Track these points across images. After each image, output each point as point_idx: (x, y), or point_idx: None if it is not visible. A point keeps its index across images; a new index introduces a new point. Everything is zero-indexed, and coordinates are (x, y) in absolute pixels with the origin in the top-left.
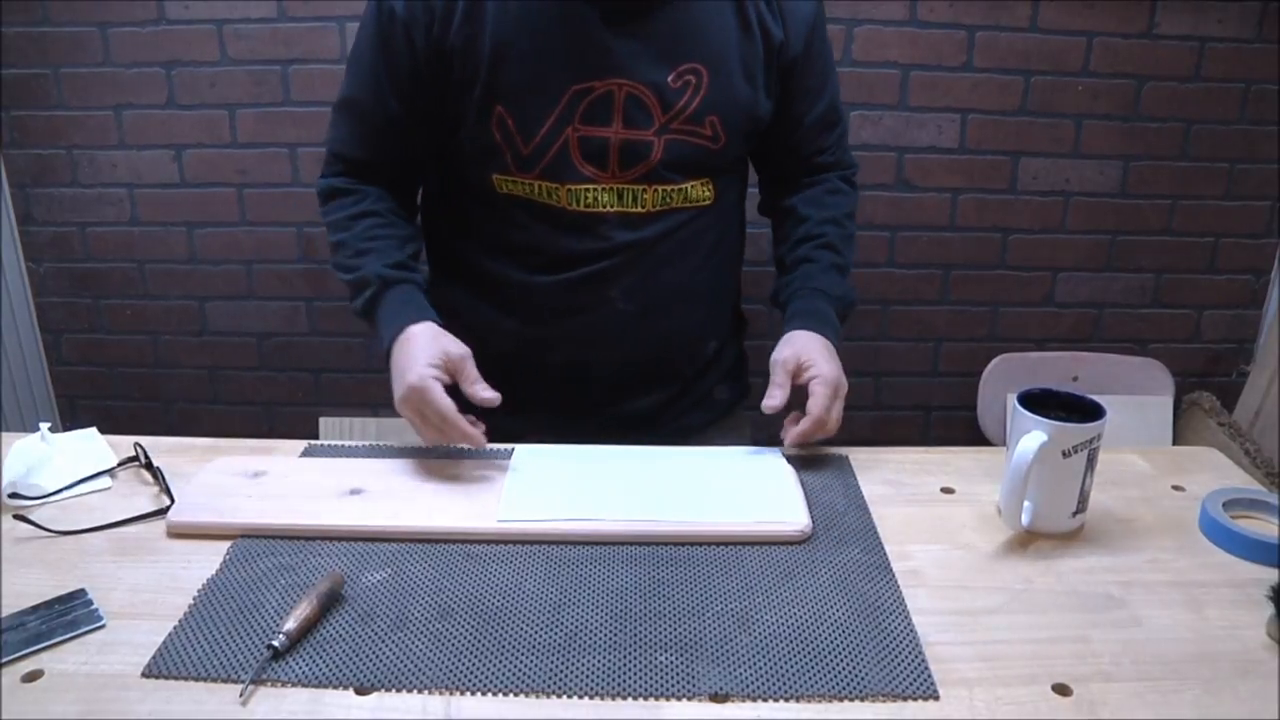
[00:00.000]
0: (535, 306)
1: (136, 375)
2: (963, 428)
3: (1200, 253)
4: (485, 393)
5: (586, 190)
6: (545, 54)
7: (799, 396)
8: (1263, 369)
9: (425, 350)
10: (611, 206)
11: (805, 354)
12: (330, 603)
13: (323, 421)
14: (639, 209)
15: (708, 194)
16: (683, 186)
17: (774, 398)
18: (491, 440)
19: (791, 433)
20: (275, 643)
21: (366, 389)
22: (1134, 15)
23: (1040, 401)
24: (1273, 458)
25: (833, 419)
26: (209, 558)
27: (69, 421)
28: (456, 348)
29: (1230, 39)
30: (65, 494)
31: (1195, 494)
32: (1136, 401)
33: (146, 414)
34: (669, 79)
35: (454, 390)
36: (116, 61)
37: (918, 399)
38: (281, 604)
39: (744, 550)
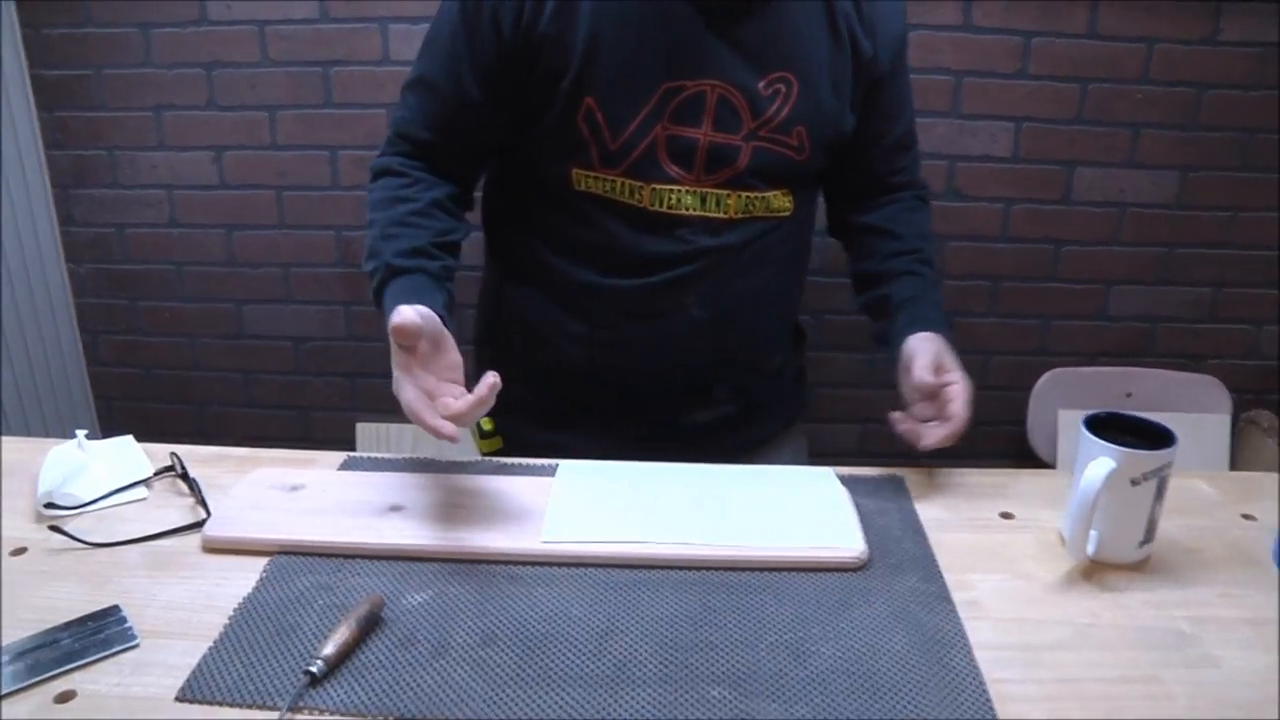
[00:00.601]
0: (606, 310)
1: (172, 377)
2: (1010, 443)
3: (1259, 266)
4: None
5: (670, 191)
6: (641, 49)
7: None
8: None
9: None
10: (694, 210)
11: (945, 356)
12: (370, 626)
13: (359, 427)
14: (721, 214)
15: (788, 205)
16: (765, 195)
17: (926, 374)
18: (548, 452)
19: (933, 435)
20: (313, 669)
21: None
22: (1197, 21)
23: (1107, 425)
24: None
25: (966, 425)
26: (245, 574)
27: (105, 421)
28: (396, 319)
29: None
30: (100, 504)
31: (1267, 523)
32: (1192, 420)
33: (182, 416)
34: (760, 85)
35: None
36: (158, 62)
37: None
38: (319, 625)
39: (798, 577)
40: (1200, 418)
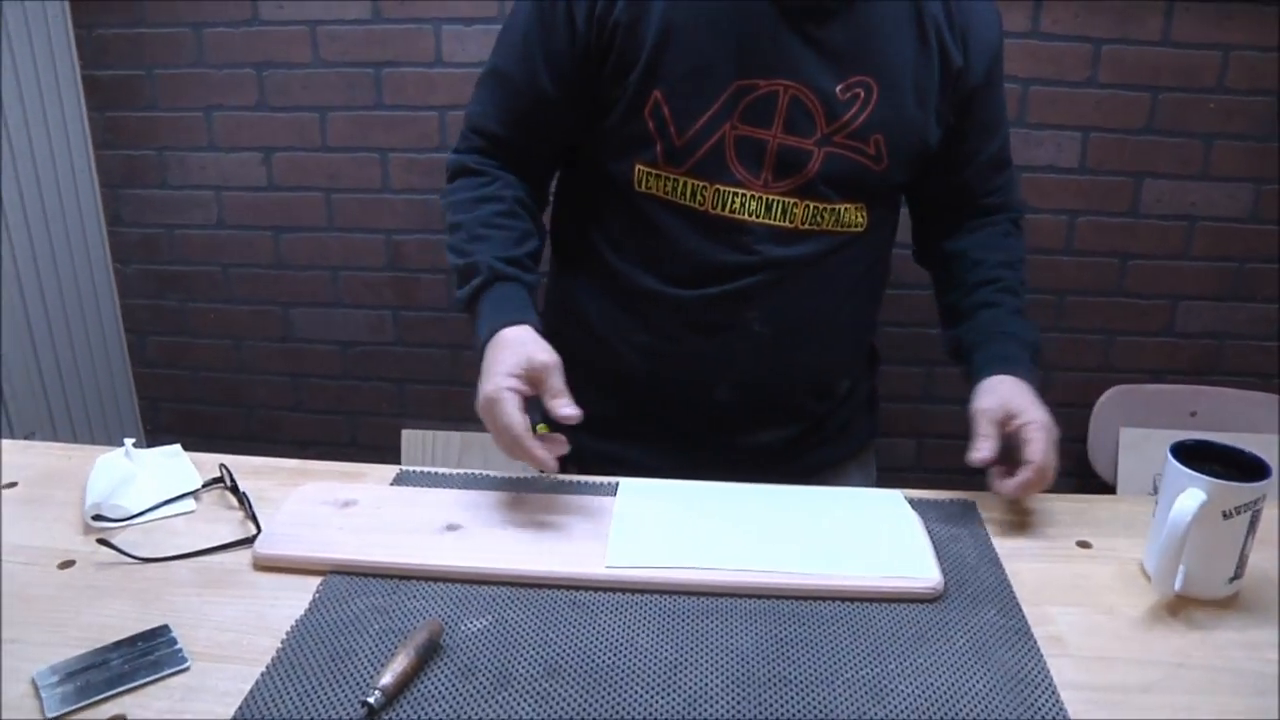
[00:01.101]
0: (667, 319)
1: (219, 380)
2: (1071, 461)
3: None
4: (567, 409)
5: (734, 194)
6: (714, 44)
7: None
8: None
9: (510, 356)
10: (758, 217)
11: (1013, 402)
12: (428, 654)
13: (405, 434)
14: (787, 223)
15: (860, 220)
16: (836, 207)
17: (982, 450)
18: (602, 468)
19: (1011, 484)
20: (370, 699)
21: (451, 402)
22: (1276, 26)
23: (1195, 454)
24: None
25: (1051, 467)
26: (297, 595)
27: (150, 423)
28: (543, 355)
29: None
30: (148, 516)
31: None
32: (1261, 441)
33: (228, 419)
34: (838, 89)
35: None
36: (209, 62)
37: None
38: (375, 651)
39: (872, 608)
40: (1270, 439)
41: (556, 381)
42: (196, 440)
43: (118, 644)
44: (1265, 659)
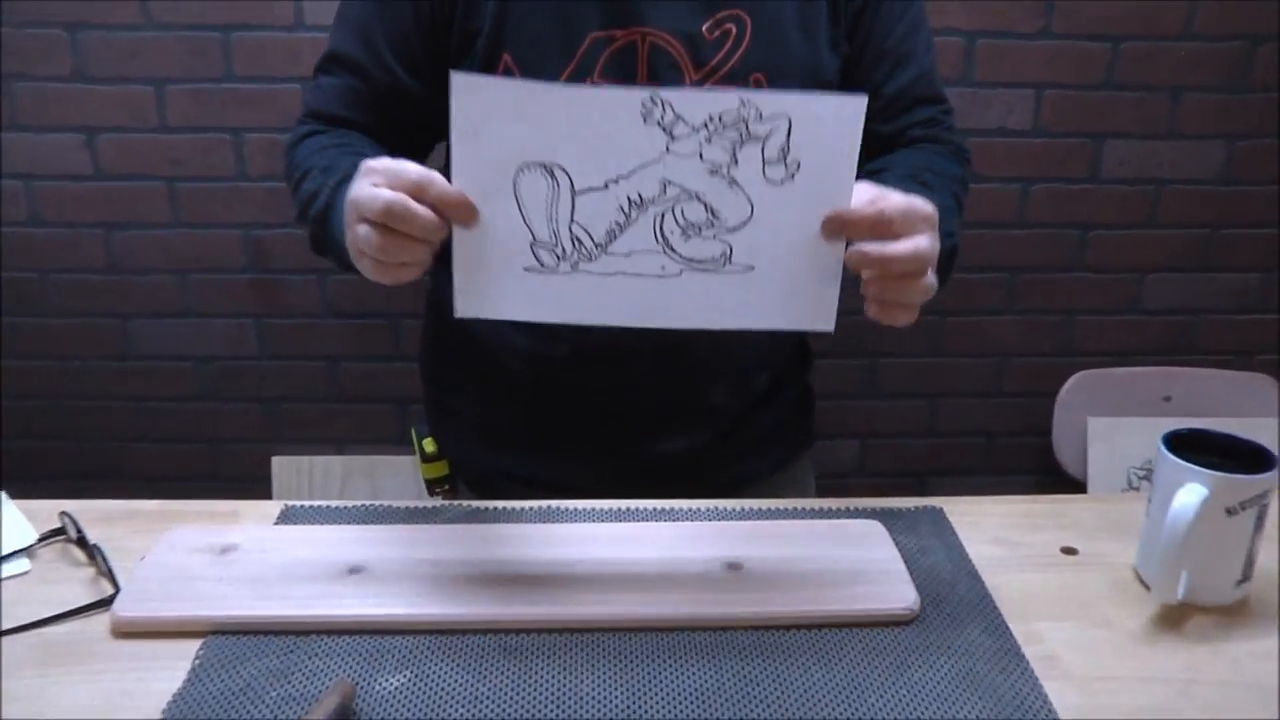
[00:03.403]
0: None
1: (43, 409)
2: (1034, 456)
3: None
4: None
5: None
6: None
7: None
8: None
9: (379, 171)
10: None
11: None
12: None
13: (276, 461)
14: None
15: None
16: None
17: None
18: (502, 485)
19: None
20: None
21: (329, 421)
22: None
23: (1189, 444)
24: None
25: (901, 249)
26: (172, 663)
27: None
28: (417, 167)
29: None
30: None
31: None
32: (1241, 424)
33: (56, 455)
34: (704, 28)
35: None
36: (5, 21)
37: (978, 424)
38: None
39: (842, 635)
40: (1250, 422)
41: (443, 186)
42: (17, 484)
43: None
44: None
